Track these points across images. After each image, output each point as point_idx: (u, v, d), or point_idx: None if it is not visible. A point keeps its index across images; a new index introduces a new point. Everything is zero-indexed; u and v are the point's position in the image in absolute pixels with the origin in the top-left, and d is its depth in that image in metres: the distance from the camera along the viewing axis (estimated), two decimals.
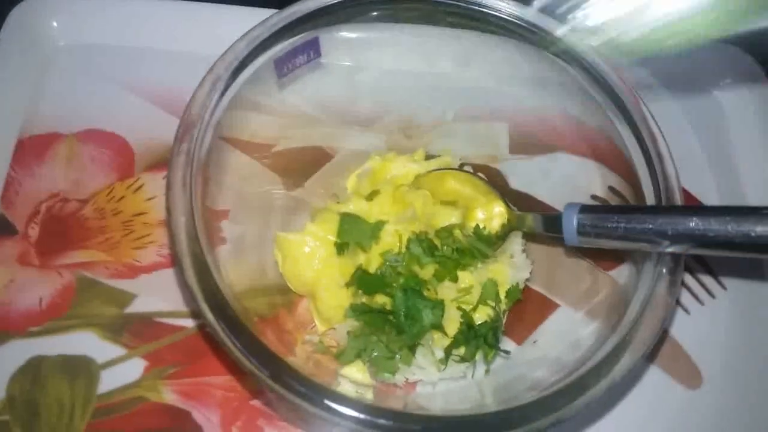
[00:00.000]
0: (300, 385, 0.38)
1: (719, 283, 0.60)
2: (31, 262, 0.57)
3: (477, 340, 0.50)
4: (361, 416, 0.38)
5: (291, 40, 0.51)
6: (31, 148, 0.61)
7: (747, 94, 0.69)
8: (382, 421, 0.38)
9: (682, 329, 0.58)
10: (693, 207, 0.40)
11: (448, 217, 0.55)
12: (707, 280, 0.60)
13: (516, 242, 0.55)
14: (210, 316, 0.41)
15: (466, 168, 0.61)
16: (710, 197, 0.65)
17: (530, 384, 0.46)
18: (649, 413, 0.54)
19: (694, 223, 0.39)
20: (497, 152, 0.62)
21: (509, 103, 0.60)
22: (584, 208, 0.45)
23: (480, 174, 0.60)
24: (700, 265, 0.61)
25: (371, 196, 0.56)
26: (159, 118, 0.63)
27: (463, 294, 0.51)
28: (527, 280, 0.55)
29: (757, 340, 0.58)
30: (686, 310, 0.59)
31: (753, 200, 0.65)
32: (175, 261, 0.45)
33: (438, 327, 0.50)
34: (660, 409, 0.54)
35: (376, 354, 0.50)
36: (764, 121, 0.67)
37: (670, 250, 0.41)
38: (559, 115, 0.57)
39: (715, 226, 0.38)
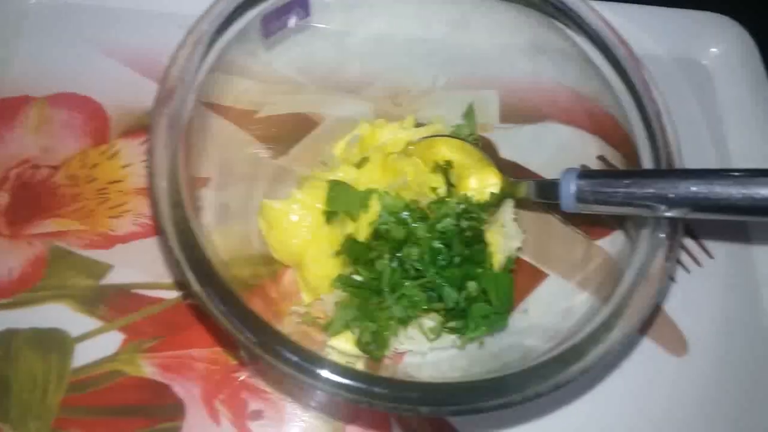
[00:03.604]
0: (294, 354, 0.37)
1: (706, 251, 0.60)
2: (1, 231, 0.54)
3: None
4: (357, 385, 0.36)
5: None
6: (0, 113, 0.58)
7: (736, 65, 0.68)
8: (377, 390, 0.36)
9: (668, 297, 0.57)
10: (694, 170, 0.39)
11: (440, 185, 0.53)
12: (694, 248, 0.60)
13: (507, 211, 0.54)
14: (196, 283, 0.39)
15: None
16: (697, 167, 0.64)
17: (522, 352, 0.45)
18: (635, 380, 0.54)
19: (696, 187, 0.38)
20: (488, 121, 0.61)
21: (502, 71, 0.59)
22: (583, 174, 0.44)
23: (470, 140, 0.58)
24: (687, 234, 0.60)
25: (360, 164, 0.54)
26: (136, 82, 0.60)
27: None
28: (519, 249, 0.54)
29: (743, 307, 0.58)
30: (672, 279, 0.59)
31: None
32: (157, 228, 0.43)
33: (429, 310, 0.49)
34: (646, 376, 0.54)
35: (364, 333, 0.48)
36: (752, 91, 0.67)
37: (669, 214, 0.41)
38: (554, 83, 0.56)
39: (718, 189, 0.37)
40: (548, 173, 0.58)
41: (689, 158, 0.63)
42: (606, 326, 0.40)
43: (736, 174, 0.37)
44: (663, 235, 0.43)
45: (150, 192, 0.41)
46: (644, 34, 0.68)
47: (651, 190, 0.40)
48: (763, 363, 0.56)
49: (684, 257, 0.60)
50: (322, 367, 0.37)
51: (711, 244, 0.60)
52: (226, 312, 0.38)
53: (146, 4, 0.64)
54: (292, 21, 0.51)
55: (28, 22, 0.62)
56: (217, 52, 0.47)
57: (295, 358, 0.37)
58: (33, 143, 0.57)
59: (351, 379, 0.37)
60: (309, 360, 0.37)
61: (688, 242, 0.60)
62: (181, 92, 0.44)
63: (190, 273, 0.39)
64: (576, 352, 0.39)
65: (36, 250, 0.53)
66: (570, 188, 0.43)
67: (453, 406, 0.37)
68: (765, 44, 0.69)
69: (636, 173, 0.45)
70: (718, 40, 0.70)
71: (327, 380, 0.37)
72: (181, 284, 0.53)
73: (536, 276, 0.55)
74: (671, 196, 0.39)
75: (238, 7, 0.46)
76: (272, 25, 0.50)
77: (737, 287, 0.59)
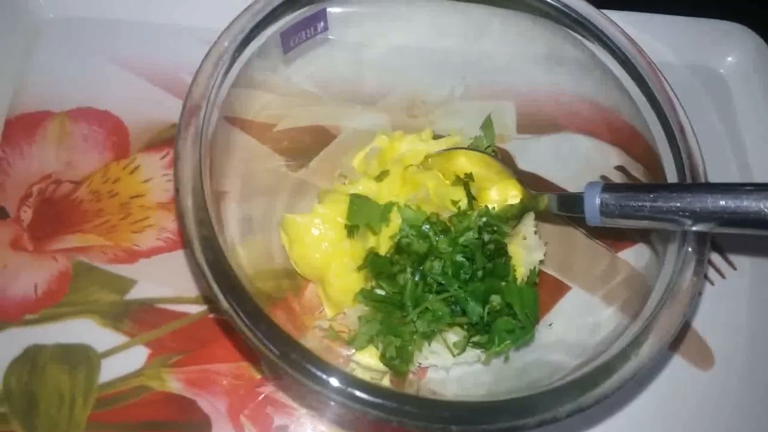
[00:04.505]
0: (324, 372, 0.37)
1: (729, 263, 0.60)
2: (25, 246, 0.54)
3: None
4: (387, 403, 0.36)
5: (299, 12, 0.49)
6: (21, 128, 0.58)
7: (753, 73, 0.68)
8: (408, 408, 0.36)
9: (693, 310, 0.57)
10: (720, 185, 0.39)
11: (461, 198, 0.53)
12: (718, 261, 0.60)
13: (529, 223, 0.54)
14: (223, 298, 0.39)
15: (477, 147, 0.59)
16: (717, 176, 0.64)
17: (550, 368, 0.45)
18: (661, 395, 0.54)
19: (724, 202, 0.38)
20: (505, 132, 0.61)
21: (518, 81, 0.59)
22: (607, 187, 0.43)
23: (489, 152, 0.58)
24: (710, 246, 0.60)
25: (380, 177, 0.54)
26: (155, 96, 0.61)
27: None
28: (541, 261, 0.54)
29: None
30: (700, 293, 0.58)
31: (758, 178, 0.64)
32: (185, 244, 0.44)
33: (453, 324, 0.49)
34: (672, 390, 0.54)
35: (388, 347, 0.48)
36: None
37: (695, 228, 0.40)
38: (570, 93, 0.56)
39: (746, 203, 0.37)
40: (567, 184, 0.58)
41: (707, 167, 0.63)
42: (635, 344, 0.39)
43: (765, 188, 0.37)
44: (690, 250, 0.42)
45: (176, 208, 0.41)
46: (661, 43, 0.68)
47: (677, 204, 0.40)
48: None
49: (708, 270, 0.59)
50: (352, 385, 0.37)
51: (734, 256, 0.60)
52: (254, 327, 0.38)
53: (161, 18, 0.64)
54: (311, 35, 0.51)
55: (45, 38, 0.63)
56: (239, 69, 0.47)
57: (324, 376, 0.37)
58: (55, 158, 0.58)
59: (381, 397, 0.37)
60: (339, 378, 0.37)
61: (712, 255, 0.60)
62: (205, 110, 0.44)
63: (216, 288, 0.39)
64: (606, 370, 0.39)
65: (60, 266, 0.54)
66: (594, 202, 0.43)
67: (485, 425, 0.37)
68: None
69: (661, 187, 0.44)
70: (735, 49, 0.69)
71: (357, 398, 0.37)
72: (205, 298, 0.53)
73: (559, 289, 0.55)
74: (698, 210, 0.39)
75: (258, 24, 0.46)
76: (291, 40, 0.50)
77: (762, 299, 0.58)
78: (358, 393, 0.37)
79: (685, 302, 0.41)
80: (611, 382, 0.38)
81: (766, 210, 0.36)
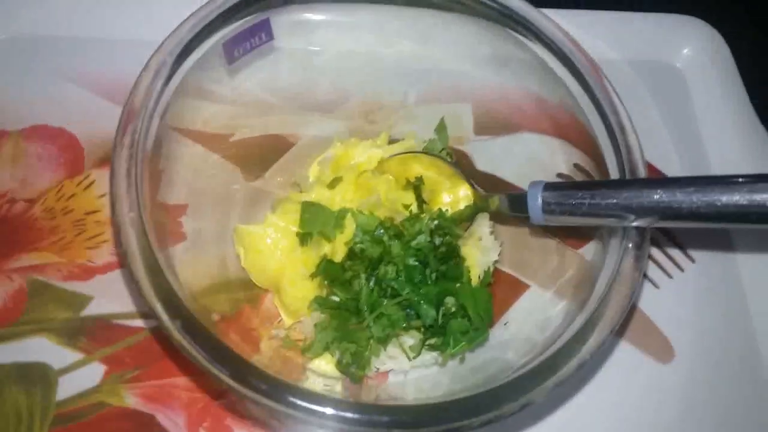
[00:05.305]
0: (263, 383, 0.37)
1: (687, 256, 0.60)
2: None
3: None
4: (329, 411, 0.36)
5: (240, 22, 0.49)
6: None
7: (709, 66, 0.69)
8: (350, 415, 0.36)
9: (652, 304, 0.57)
10: (657, 179, 0.39)
11: (412, 202, 0.53)
12: (675, 253, 0.60)
13: (483, 224, 0.54)
14: (164, 317, 0.39)
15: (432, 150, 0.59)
16: (674, 170, 0.64)
17: (502, 366, 0.45)
18: (622, 388, 0.54)
19: (658, 196, 0.38)
20: (462, 134, 0.61)
21: (472, 84, 0.59)
22: (548, 186, 0.44)
23: (443, 156, 0.58)
24: (668, 239, 0.60)
25: (333, 184, 0.54)
26: (108, 111, 0.61)
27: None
28: (496, 262, 0.54)
29: (727, 311, 0.58)
30: (655, 285, 0.58)
31: (716, 171, 0.65)
32: (122, 260, 0.43)
33: (408, 328, 0.49)
34: (633, 383, 0.54)
35: (344, 354, 0.48)
36: (726, 91, 0.67)
37: (636, 224, 0.41)
38: (522, 94, 0.56)
39: (680, 197, 0.37)
40: (525, 184, 0.57)
41: (665, 161, 0.64)
42: (577, 339, 0.40)
43: (699, 182, 0.37)
44: (631, 245, 0.43)
45: (113, 222, 0.41)
46: (616, 39, 0.69)
47: (615, 200, 0.40)
48: (748, 366, 0.55)
49: (666, 263, 0.59)
50: (292, 394, 0.37)
51: (693, 249, 0.60)
52: (194, 345, 0.38)
53: (116, 33, 0.64)
54: (255, 45, 0.51)
55: None
56: (181, 78, 0.47)
57: (264, 386, 0.37)
58: (9, 177, 0.58)
59: (321, 405, 0.37)
60: (278, 388, 0.37)
61: (671, 248, 0.60)
62: (143, 118, 0.44)
63: (157, 306, 0.39)
64: (549, 366, 0.39)
65: (15, 285, 0.54)
66: (537, 201, 0.43)
67: (426, 427, 0.37)
68: (735, 44, 0.69)
69: (600, 183, 0.45)
70: (690, 42, 0.70)
71: (296, 407, 0.37)
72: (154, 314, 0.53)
73: (517, 288, 0.55)
74: (634, 205, 0.39)
75: (197, 35, 0.46)
76: (235, 51, 0.50)
77: (721, 291, 0.59)
78: (296, 401, 0.36)
79: (624, 299, 0.41)
80: (553, 380, 0.38)
81: (697, 202, 0.37)
